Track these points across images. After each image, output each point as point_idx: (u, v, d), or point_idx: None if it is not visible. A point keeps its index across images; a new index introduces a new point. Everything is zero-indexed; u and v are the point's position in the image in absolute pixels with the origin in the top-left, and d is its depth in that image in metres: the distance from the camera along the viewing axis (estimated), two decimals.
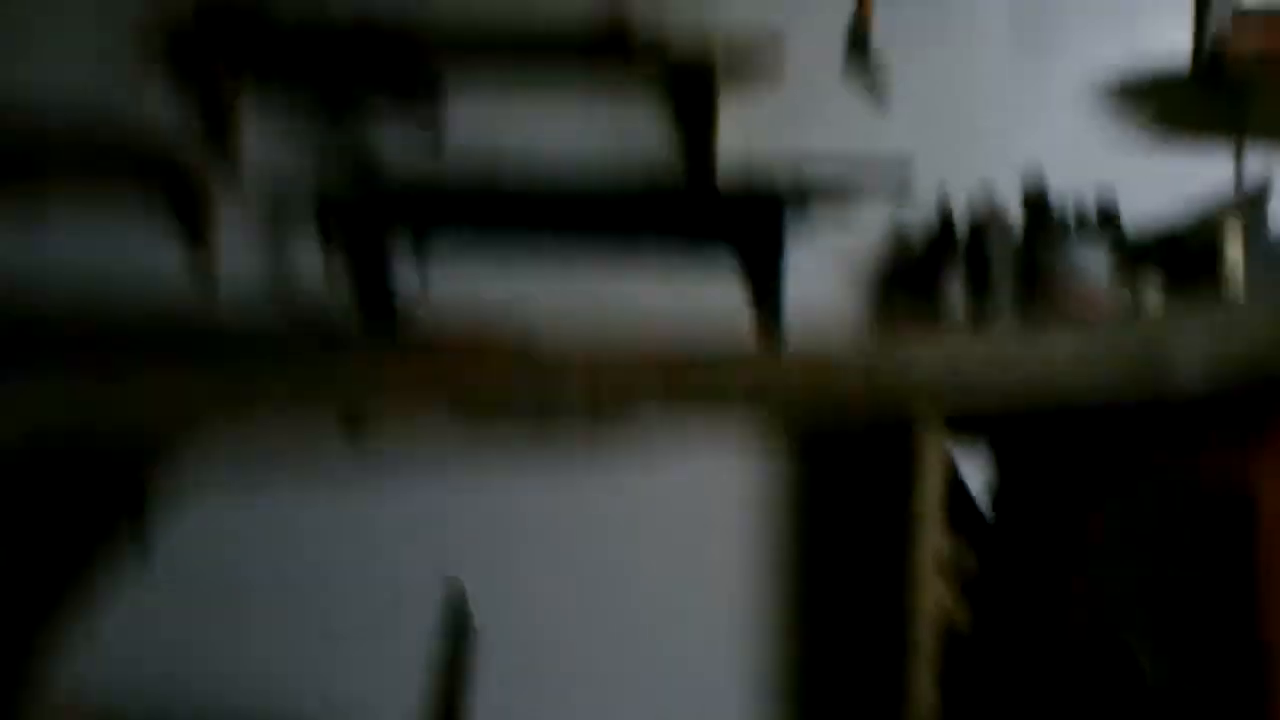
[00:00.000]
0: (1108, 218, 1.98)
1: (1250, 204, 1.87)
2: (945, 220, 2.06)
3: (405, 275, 2.18)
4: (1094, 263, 1.92)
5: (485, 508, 2.20)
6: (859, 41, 1.82)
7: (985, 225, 2.03)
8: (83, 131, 2.14)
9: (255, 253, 2.24)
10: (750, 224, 2.14)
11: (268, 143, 2.24)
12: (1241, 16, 2.01)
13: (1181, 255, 1.91)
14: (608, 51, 2.15)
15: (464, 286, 2.19)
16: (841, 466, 2.19)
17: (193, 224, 2.20)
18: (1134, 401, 1.74)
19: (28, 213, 2.25)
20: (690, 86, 2.16)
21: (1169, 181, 2.05)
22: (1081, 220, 1.98)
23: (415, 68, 2.11)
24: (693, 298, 2.20)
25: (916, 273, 2.11)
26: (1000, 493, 2.07)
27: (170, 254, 2.24)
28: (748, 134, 2.15)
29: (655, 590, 2.22)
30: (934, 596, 1.90)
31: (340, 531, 2.22)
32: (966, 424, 1.93)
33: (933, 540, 1.91)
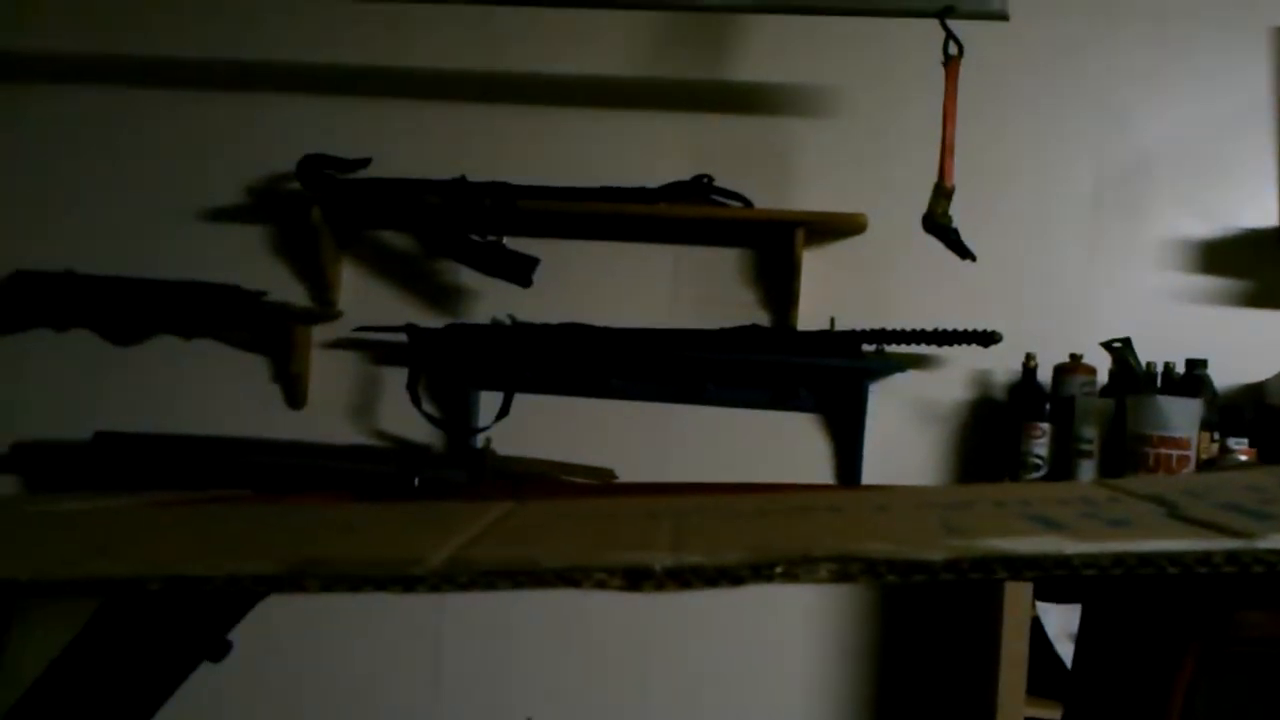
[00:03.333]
0: (1195, 376, 1.95)
1: None
2: (1029, 372, 2.06)
3: (489, 410, 2.23)
4: (1181, 419, 1.89)
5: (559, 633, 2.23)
6: (943, 204, 1.84)
7: (1070, 378, 2.02)
8: (189, 289, 2.25)
9: (349, 389, 2.31)
10: (831, 374, 2.16)
11: (364, 285, 2.32)
12: None
13: (1270, 415, 1.89)
14: (687, 197, 2.21)
15: (546, 421, 2.24)
16: (925, 609, 2.19)
17: (288, 366, 2.29)
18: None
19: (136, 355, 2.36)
20: (773, 240, 2.20)
21: (1257, 342, 2.03)
22: (1169, 377, 1.97)
23: (505, 218, 2.17)
24: (775, 438, 2.22)
25: (1000, 423, 2.10)
26: (1084, 639, 2.04)
27: (272, 392, 2.33)
28: (832, 289, 2.18)
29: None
30: None
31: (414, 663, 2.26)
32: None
33: (1016, 686, 1.89)
